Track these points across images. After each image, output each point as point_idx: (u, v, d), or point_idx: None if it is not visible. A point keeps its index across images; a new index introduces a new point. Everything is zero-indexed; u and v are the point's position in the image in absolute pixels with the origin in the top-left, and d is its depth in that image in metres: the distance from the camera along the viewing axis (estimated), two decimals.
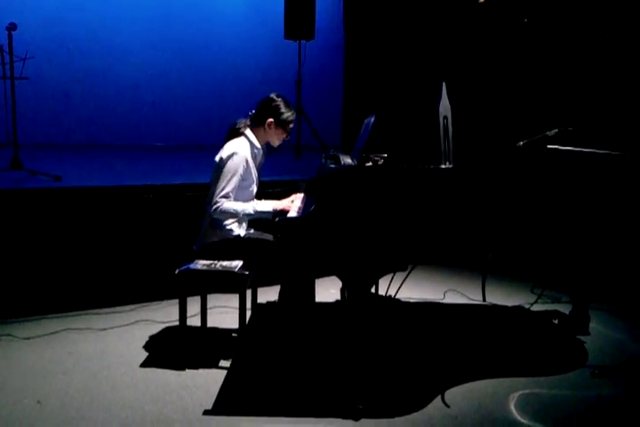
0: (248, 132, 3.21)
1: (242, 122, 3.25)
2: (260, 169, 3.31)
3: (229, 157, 3.06)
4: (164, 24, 7.48)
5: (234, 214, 3.08)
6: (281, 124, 3.20)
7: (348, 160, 3.07)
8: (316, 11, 6.55)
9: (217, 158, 3.12)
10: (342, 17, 7.96)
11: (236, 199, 3.08)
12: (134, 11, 7.37)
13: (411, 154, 3.26)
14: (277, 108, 3.18)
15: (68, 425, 2.43)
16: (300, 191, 3.45)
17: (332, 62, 8.00)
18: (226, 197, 3.03)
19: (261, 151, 3.26)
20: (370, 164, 3.04)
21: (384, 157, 3.15)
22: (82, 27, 7.08)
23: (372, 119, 2.94)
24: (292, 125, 3.26)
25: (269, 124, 3.18)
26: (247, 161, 3.11)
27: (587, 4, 5.09)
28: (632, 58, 4.80)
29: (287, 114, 3.20)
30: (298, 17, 6.41)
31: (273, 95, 3.23)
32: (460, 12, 6.14)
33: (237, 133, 3.22)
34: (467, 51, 5.95)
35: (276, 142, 3.28)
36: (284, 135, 3.26)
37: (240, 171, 3.06)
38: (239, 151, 3.08)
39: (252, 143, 3.19)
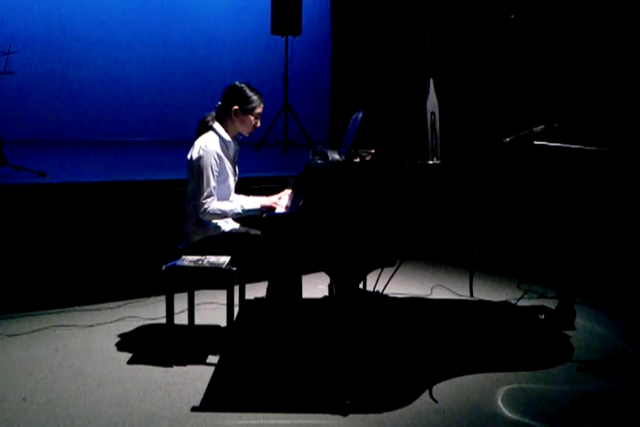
0: (216, 125, 3.12)
1: (209, 115, 3.18)
2: (235, 160, 3.24)
3: (199, 156, 3.00)
4: (149, 19, 7.45)
5: (222, 215, 3.03)
6: (246, 111, 3.10)
7: (335, 156, 3.07)
8: (303, 6, 6.54)
9: (188, 157, 3.07)
10: (329, 12, 7.95)
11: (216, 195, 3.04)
12: (120, 6, 7.33)
13: (398, 150, 3.26)
14: (240, 93, 3.10)
15: (54, 423, 2.41)
16: (287, 188, 3.44)
17: (320, 58, 8.00)
18: (209, 196, 2.98)
19: (232, 143, 3.18)
20: (357, 159, 3.05)
21: (372, 153, 3.16)
22: (67, 21, 7.03)
23: (360, 115, 2.94)
24: (259, 110, 3.13)
25: (235, 113, 3.10)
26: (218, 155, 3.04)
27: (572, 0, 5.12)
28: (618, 54, 4.83)
29: (252, 98, 3.10)
30: (285, 12, 6.39)
31: (236, 82, 3.14)
32: (447, 7, 6.15)
33: (206, 128, 3.14)
34: (454, 46, 5.96)
35: (246, 131, 3.17)
36: (254, 122, 3.15)
37: (213, 167, 3.00)
38: (207, 148, 3.01)
39: (221, 137, 3.10)
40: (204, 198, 2.98)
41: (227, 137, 3.13)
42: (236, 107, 3.09)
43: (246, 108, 3.10)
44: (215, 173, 3.02)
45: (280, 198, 3.21)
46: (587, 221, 2.92)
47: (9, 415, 2.46)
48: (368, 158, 3.11)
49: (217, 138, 3.10)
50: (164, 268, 2.93)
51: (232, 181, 3.19)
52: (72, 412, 2.49)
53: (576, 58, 5.01)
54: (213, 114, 3.18)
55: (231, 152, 3.19)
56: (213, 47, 7.73)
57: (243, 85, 3.13)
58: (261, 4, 6.87)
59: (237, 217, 3.13)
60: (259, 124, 3.21)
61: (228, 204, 3.05)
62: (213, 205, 2.99)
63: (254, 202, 3.12)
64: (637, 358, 3.15)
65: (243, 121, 3.13)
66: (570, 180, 2.80)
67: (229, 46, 7.77)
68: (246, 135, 3.24)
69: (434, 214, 2.59)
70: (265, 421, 2.46)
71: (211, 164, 3.00)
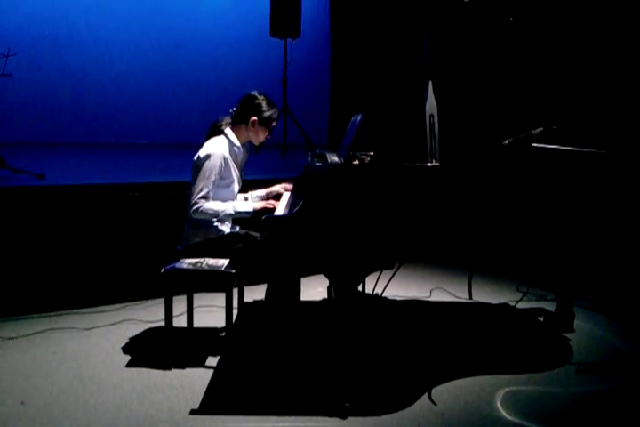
0: (228, 130, 3.17)
1: (223, 119, 3.21)
2: (242, 167, 3.27)
3: (206, 157, 3.02)
4: (148, 22, 7.45)
5: (214, 215, 3.03)
6: (264, 122, 3.16)
7: (334, 158, 3.06)
8: (302, 8, 6.54)
9: (195, 157, 3.09)
10: (328, 15, 7.96)
11: (217, 198, 3.05)
12: (119, 8, 7.33)
13: (397, 152, 3.26)
14: (260, 106, 3.15)
15: (52, 426, 2.41)
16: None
17: (319, 60, 8.00)
18: (204, 197, 2.99)
19: (242, 149, 3.22)
20: (356, 162, 3.04)
21: (371, 156, 3.15)
22: (65, 23, 7.04)
23: (359, 117, 2.94)
24: (274, 123, 3.22)
25: (253, 123, 3.14)
26: (225, 159, 3.06)
27: (571, 3, 5.12)
28: (617, 57, 4.84)
29: (270, 112, 3.16)
30: (284, 15, 6.40)
31: (255, 93, 3.19)
32: (446, 10, 6.15)
33: (218, 131, 3.18)
34: (453, 49, 5.96)
35: (258, 140, 3.23)
36: (267, 133, 3.22)
37: (217, 170, 3.02)
38: (216, 150, 3.04)
39: (231, 142, 3.14)
40: (199, 198, 2.99)
41: (237, 142, 3.17)
42: (255, 118, 3.14)
43: (265, 121, 3.16)
44: (217, 177, 3.03)
45: (278, 201, 3.21)
46: (585, 223, 2.92)
47: (8, 419, 2.46)
48: (367, 161, 3.11)
49: (227, 142, 3.13)
50: (162, 270, 2.93)
51: (236, 187, 3.20)
52: (71, 415, 2.49)
53: (575, 61, 5.01)
54: (228, 119, 3.20)
55: (239, 158, 3.21)
56: (213, 50, 7.73)
57: (262, 97, 3.16)
58: (261, 7, 6.87)
59: (230, 218, 3.14)
60: (269, 137, 3.26)
61: (220, 204, 3.04)
62: (206, 204, 3.00)
63: (247, 204, 3.13)
64: (636, 360, 3.15)
65: (258, 132, 3.18)
66: (568, 182, 2.81)
67: (229, 49, 7.77)
68: (256, 144, 3.28)
69: (433, 217, 2.59)
70: (264, 424, 2.45)
71: (216, 166, 3.02)
